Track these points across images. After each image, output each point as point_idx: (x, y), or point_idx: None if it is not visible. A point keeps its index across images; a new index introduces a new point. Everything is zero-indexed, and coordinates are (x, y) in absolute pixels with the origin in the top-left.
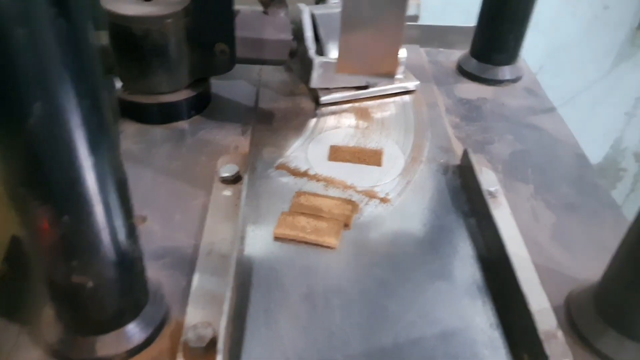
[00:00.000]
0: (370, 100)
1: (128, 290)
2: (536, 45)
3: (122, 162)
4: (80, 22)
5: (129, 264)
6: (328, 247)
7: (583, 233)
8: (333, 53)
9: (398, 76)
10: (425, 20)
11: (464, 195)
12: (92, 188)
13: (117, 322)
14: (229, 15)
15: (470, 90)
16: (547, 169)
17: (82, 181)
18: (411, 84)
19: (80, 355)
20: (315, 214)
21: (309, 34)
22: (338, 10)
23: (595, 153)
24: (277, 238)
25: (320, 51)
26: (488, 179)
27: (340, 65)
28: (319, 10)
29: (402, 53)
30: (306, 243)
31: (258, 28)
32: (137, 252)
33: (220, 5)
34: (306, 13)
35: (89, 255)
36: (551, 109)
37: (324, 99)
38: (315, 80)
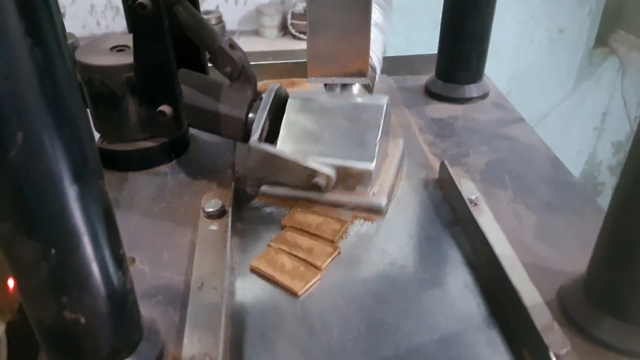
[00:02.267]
0: None
1: (121, 325)
2: (500, 72)
3: (106, 191)
4: (57, 51)
5: (121, 297)
6: (292, 292)
7: (565, 229)
8: (281, 145)
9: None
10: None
11: (447, 206)
12: (78, 219)
13: None
14: (170, 78)
15: (441, 109)
16: (523, 173)
17: (67, 212)
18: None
19: None
20: (306, 230)
21: (262, 113)
22: (320, 102)
23: (571, 170)
24: (252, 270)
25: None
26: (468, 188)
27: (311, 69)
28: (299, 95)
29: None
30: (275, 283)
31: (213, 99)
32: (128, 284)
33: (160, 67)
34: (270, 92)
35: (79, 289)
36: (520, 119)
37: None
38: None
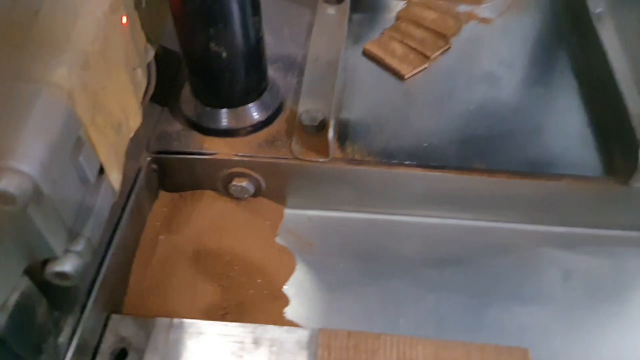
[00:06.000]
0: None
1: (252, 67)
2: None
3: None
4: None
5: (254, 41)
6: (399, 74)
7: None
8: None
9: None
10: None
11: (568, 17)
12: None
13: (244, 99)
14: None
15: None
16: None
17: None
18: None
19: (213, 125)
20: (420, 23)
21: None
22: None
23: None
24: (364, 53)
25: None
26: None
27: None
28: None
29: None
30: (385, 65)
31: None
32: (261, 31)
33: None
34: None
35: (224, 24)
36: None
37: None
38: None
